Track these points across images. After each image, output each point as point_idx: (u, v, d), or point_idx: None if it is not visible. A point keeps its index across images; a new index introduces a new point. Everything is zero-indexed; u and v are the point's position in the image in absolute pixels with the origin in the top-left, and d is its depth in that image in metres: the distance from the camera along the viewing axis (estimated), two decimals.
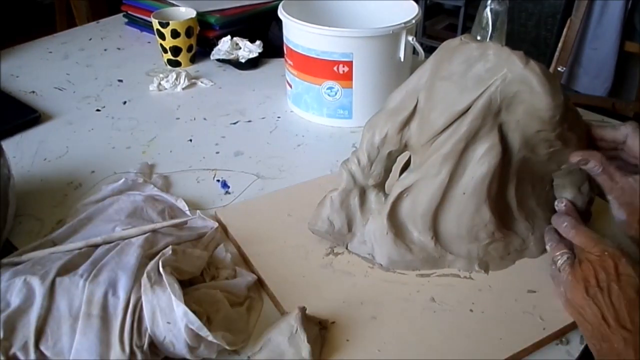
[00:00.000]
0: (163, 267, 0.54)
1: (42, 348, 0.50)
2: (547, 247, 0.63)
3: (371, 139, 0.63)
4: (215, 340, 0.51)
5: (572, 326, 0.58)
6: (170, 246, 0.58)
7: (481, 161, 0.60)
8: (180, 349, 0.51)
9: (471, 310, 0.60)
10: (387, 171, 0.65)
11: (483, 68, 0.59)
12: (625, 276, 0.53)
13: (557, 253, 0.60)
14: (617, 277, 0.53)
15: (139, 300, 0.52)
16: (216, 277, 0.61)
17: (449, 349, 0.56)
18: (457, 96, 0.59)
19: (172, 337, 0.51)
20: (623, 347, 0.50)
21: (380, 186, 0.66)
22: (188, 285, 0.57)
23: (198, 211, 0.70)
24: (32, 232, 0.71)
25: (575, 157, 0.60)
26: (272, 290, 0.61)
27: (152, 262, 0.55)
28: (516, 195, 0.65)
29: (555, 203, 0.64)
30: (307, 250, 0.67)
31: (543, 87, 0.57)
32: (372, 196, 0.66)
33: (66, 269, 0.54)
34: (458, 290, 0.62)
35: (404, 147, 0.64)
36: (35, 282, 0.52)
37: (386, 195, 0.66)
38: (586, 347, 0.57)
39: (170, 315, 0.51)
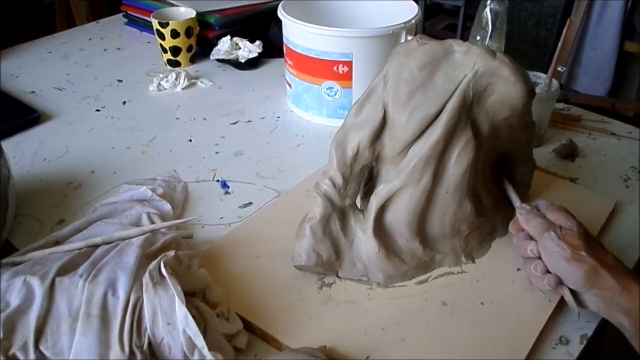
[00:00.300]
0: (164, 267, 0.54)
1: (42, 348, 0.50)
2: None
3: (342, 157, 0.61)
4: (208, 355, 0.50)
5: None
6: (174, 250, 0.58)
7: (460, 158, 0.61)
8: (176, 353, 0.51)
9: (482, 304, 0.60)
10: (359, 187, 0.64)
11: (450, 66, 0.59)
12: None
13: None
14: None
15: (138, 300, 0.52)
16: (210, 304, 0.58)
17: (491, 346, 0.56)
18: (428, 99, 0.59)
19: (170, 339, 0.51)
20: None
21: (355, 204, 0.64)
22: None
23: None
24: (32, 232, 0.71)
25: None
26: (285, 344, 0.56)
27: (154, 262, 0.55)
28: (484, 182, 0.66)
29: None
30: (298, 289, 0.62)
31: (516, 75, 0.59)
32: (351, 216, 0.63)
33: (66, 269, 0.54)
34: (459, 287, 0.62)
35: (375, 160, 0.62)
36: (34, 282, 0.52)
37: (362, 211, 0.64)
38: (586, 347, 0.57)
39: (171, 317, 0.51)
